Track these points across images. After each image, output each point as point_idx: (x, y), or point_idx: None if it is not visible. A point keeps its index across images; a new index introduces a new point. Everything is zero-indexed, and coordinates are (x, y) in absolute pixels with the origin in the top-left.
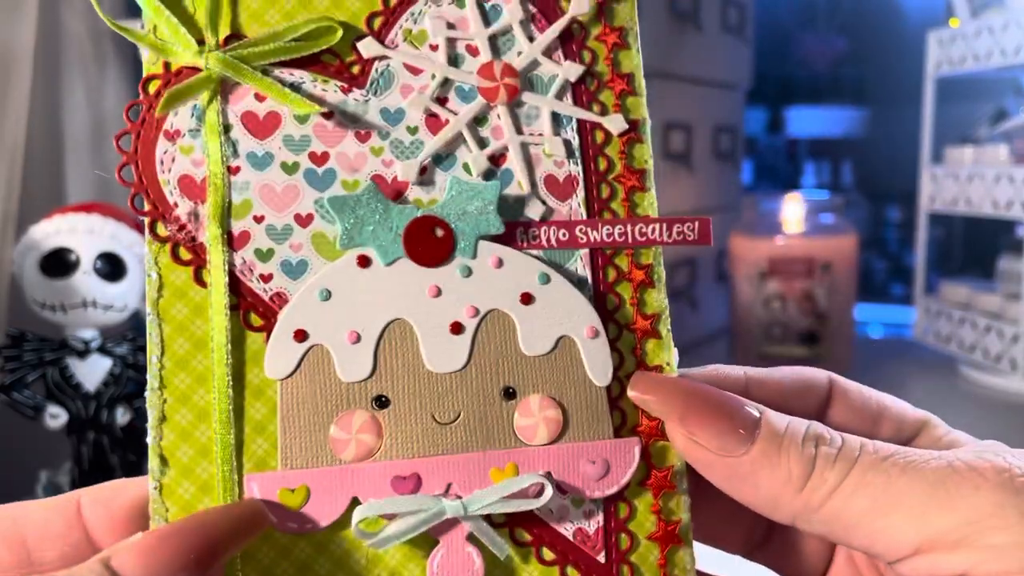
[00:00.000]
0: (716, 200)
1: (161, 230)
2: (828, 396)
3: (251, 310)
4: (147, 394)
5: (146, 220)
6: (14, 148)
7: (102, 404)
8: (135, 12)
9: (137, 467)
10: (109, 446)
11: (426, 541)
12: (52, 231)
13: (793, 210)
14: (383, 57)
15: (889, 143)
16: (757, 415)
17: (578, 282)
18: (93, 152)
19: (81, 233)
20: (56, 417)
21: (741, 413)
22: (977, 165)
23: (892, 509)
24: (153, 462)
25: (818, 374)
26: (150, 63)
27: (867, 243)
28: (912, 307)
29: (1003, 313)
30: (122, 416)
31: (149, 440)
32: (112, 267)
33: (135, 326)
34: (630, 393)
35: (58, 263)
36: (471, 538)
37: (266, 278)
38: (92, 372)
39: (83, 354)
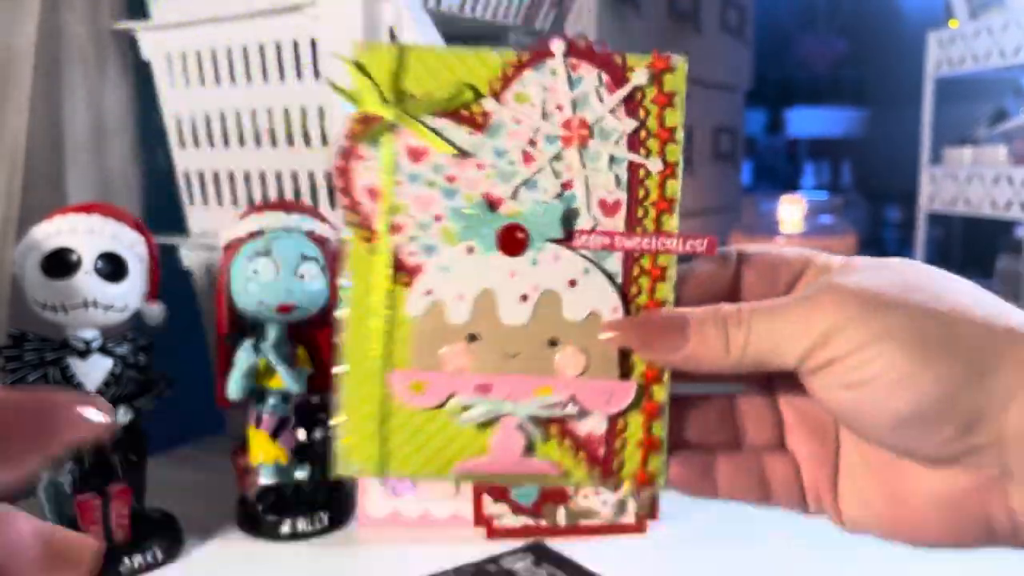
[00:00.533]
0: (716, 200)
1: (352, 217)
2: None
3: (402, 271)
4: (340, 312)
5: (344, 211)
6: (15, 149)
7: None
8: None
9: (140, 467)
10: (110, 446)
11: (490, 425)
12: (53, 231)
13: (793, 210)
14: (498, 111)
15: (889, 144)
16: (686, 319)
17: (611, 275)
18: (94, 153)
19: (82, 233)
20: None
21: (675, 323)
22: (976, 165)
23: (783, 336)
24: (339, 357)
25: (785, 254)
26: (353, 112)
27: (866, 243)
28: None
29: None
30: (123, 416)
31: (339, 342)
32: (113, 267)
33: (136, 326)
34: (601, 337)
35: (59, 263)
36: (519, 427)
37: (412, 254)
38: (93, 372)
39: (84, 354)
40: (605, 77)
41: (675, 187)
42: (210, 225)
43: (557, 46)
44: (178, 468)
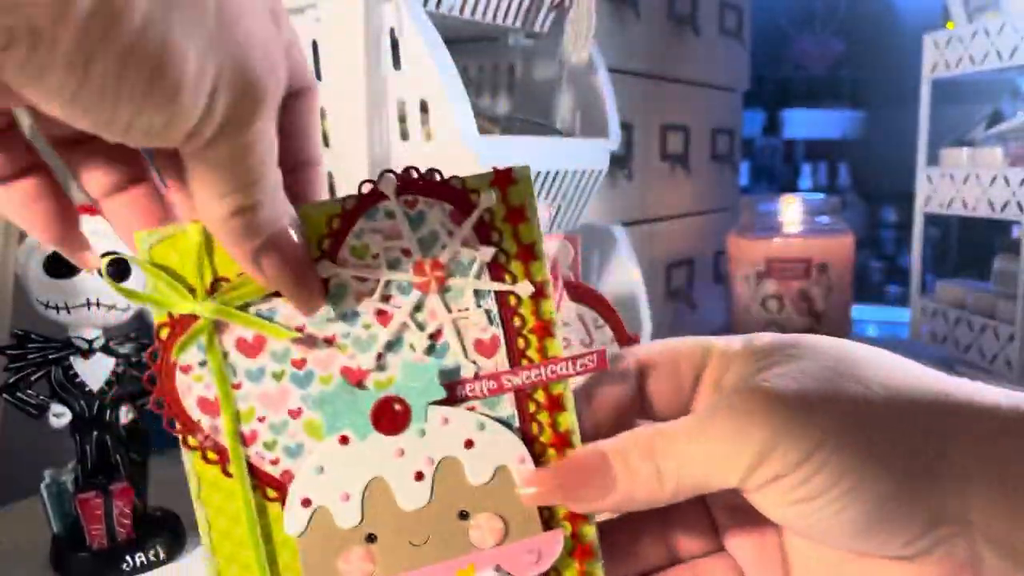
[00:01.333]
0: (714, 201)
1: (192, 441)
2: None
3: (268, 486)
4: (205, 560)
5: (180, 437)
6: None
7: (105, 403)
8: None
9: (142, 466)
10: (112, 445)
11: None
12: None
13: (790, 211)
14: (335, 273)
15: (885, 145)
16: (605, 458)
17: (507, 419)
18: None
19: (85, 233)
20: (60, 416)
21: (595, 466)
22: (973, 167)
23: (717, 459)
24: None
25: (682, 346)
26: (157, 315)
27: (863, 244)
28: (908, 307)
29: (998, 313)
30: (125, 415)
31: None
32: (116, 267)
33: (138, 326)
34: (522, 496)
35: (62, 263)
36: None
37: (274, 462)
38: (96, 371)
39: (87, 353)
40: (448, 207)
41: (550, 307)
42: None
43: (387, 185)
44: (180, 467)
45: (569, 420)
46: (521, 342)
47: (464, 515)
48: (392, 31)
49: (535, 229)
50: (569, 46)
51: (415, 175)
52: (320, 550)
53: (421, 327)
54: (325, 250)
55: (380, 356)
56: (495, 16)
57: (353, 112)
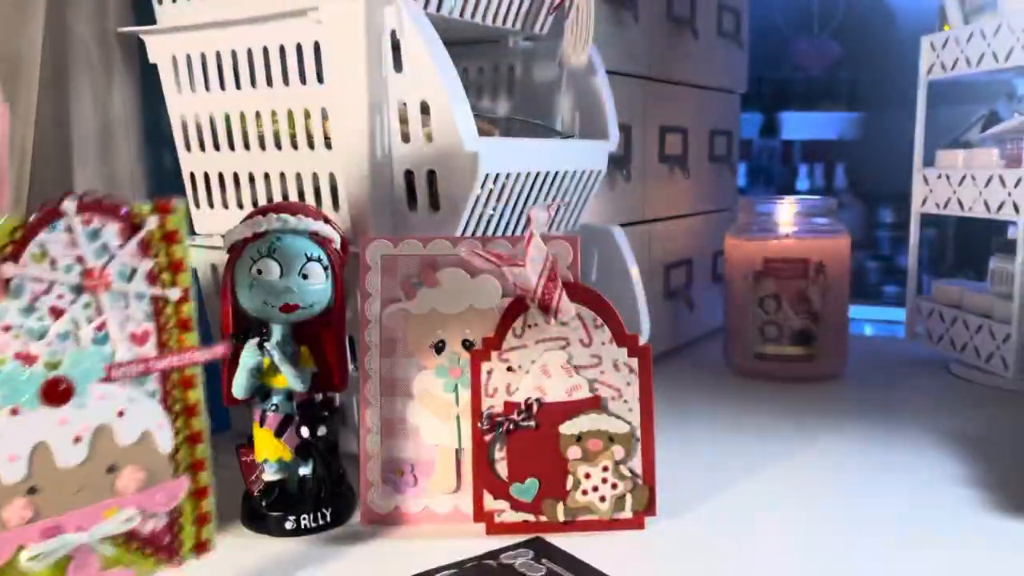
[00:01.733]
0: (712, 202)
1: None
2: None
3: None
4: None
5: None
6: (22, 150)
7: None
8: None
9: None
10: None
11: (67, 560)
12: None
13: (787, 212)
14: (16, 274)
15: (882, 146)
16: None
17: (151, 393)
18: (100, 155)
19: None
20: None
21: None
22: (969, 168)
23: None
24: None
25: None
26: None
27: (860, 244)
28: (904, 307)
29: (995, 313)
30: None
31: None
32: None
33: None
34: None
35: None
36: (91, 550)
37: None
38: None
39: None
40: (119, 226)
41: (190, 308)
42: (215, 226)
43: (68, 206)
44: None
45: (197, 396)
46: (166, 336)
47: (112, 468)
48: (393, 33)
49: (184, 248)
50: (568, 48)
51: (93, 199)
52: None
53: (89, 320)
54: (8, 255)
55: (51, 344)
56: (495, 19)
57: (354, 114)
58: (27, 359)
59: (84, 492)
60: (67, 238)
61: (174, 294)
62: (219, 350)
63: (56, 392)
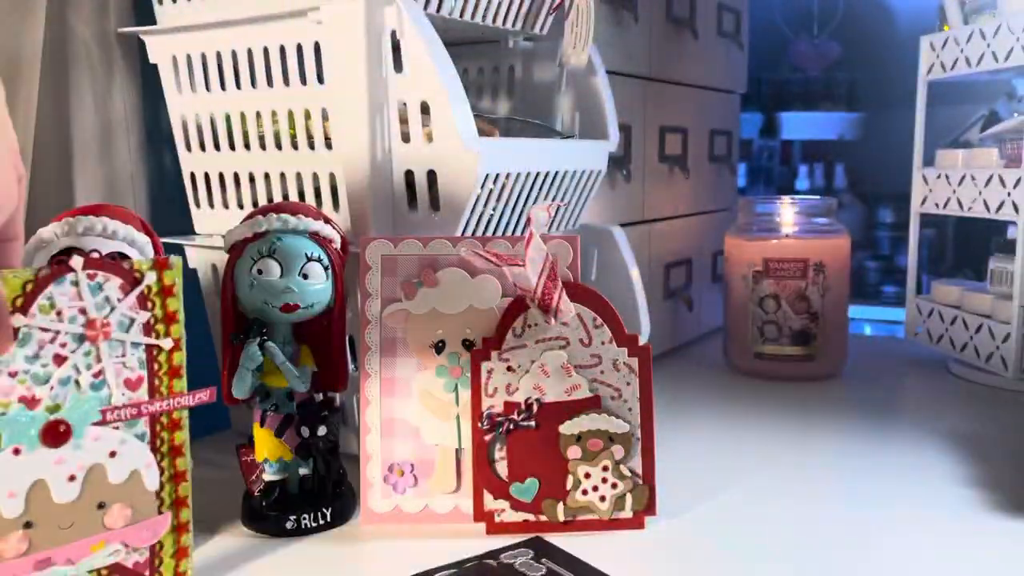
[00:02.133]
0: (712, 202)
1: None
2: None
3: None
4: None
5: None
6: (23, 151)
7: None
8: (142, 17)
9: None
10: None
11: None
12: (60, 232)
13: (787, 212)
14: (25, 325)
15: (882, 146)
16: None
17: (141, 435)
18: (101, 155)
19: (89, 234)
20: None
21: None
22: (969, 167)
23: None
24: None
25: None
26: None
27: (860, 244)
28: (904, 307)
29: (994, 313)
30: None
31: None
32: None
33: None
34: None
35: None
36: None
37: None
38: None
39: None
40: (120, 281)
41: (181, 357)
42: (216, 226)
43: (76, 262)
44: None
45: (183, 438)
46: (158, 381)
47: (102, 505)
48: (393, 34)
49: (179, 302)
50: (568, 48)
51: (98, 256)
52: None
53: (88, 367)
54: (18, 307)
55: (52, 388)
56: (495, 19)
57: (355, 114)
58: (31, 403)
59: (74, 528)
60: (73, 291)
61: (167, 344)
62: (204, 395)
63: (56, 434)
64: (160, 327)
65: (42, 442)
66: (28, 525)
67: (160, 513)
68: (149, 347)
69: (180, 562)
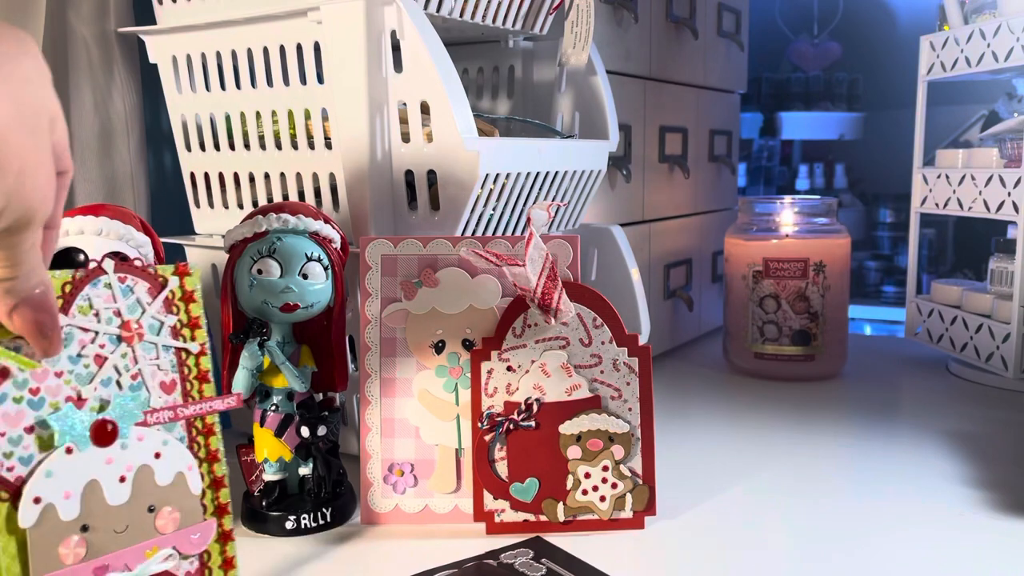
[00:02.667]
0: (712, 202)
1: None
2: None
3: (1, 489)
4: None
5: None
6: None
7: None
8: (142, 17)
9: None
10: None
11: None
12: (61, 232)
13: (787, 212)
14: (67, 324)
15: (882, 146)
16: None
17: (180, 438)
18: (101, 155)
19: (90, 234)
20: None
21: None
22: (969, 167)
23: None
24: None
25: None
26: None
27: (860, 244)
28: (904, 307)
29: (994, 313)
30: None
31: None
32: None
33: None
34: None
35: (67, 264)
36: None
37: (11, 469)
38: None
39: None
40: (147, 285)
41: (207, 362)
42: (216, 226)
43: (108, 265)
44: None
45: (217, 442)
46: (189, 385)
47: (152, 509)
48: (393, 34)
49: (200, 307)
50: (568, 48)
51: (127, 262)
52: (46, 538)
53: (126, 369)
54: (59, 307)
55: (96, 388)
56: (495, 19)
57: (355, 114)
58: (78, 402)
59: (128, 533)
60: (107, 293)
61: (195, 347)
62: (232, 400)
63: (105, 432)
64: (186, 331)
65: (93, 441)
66: (85, 528)
67: (205, 518)
68: (178, 351)
69: (228, 573)
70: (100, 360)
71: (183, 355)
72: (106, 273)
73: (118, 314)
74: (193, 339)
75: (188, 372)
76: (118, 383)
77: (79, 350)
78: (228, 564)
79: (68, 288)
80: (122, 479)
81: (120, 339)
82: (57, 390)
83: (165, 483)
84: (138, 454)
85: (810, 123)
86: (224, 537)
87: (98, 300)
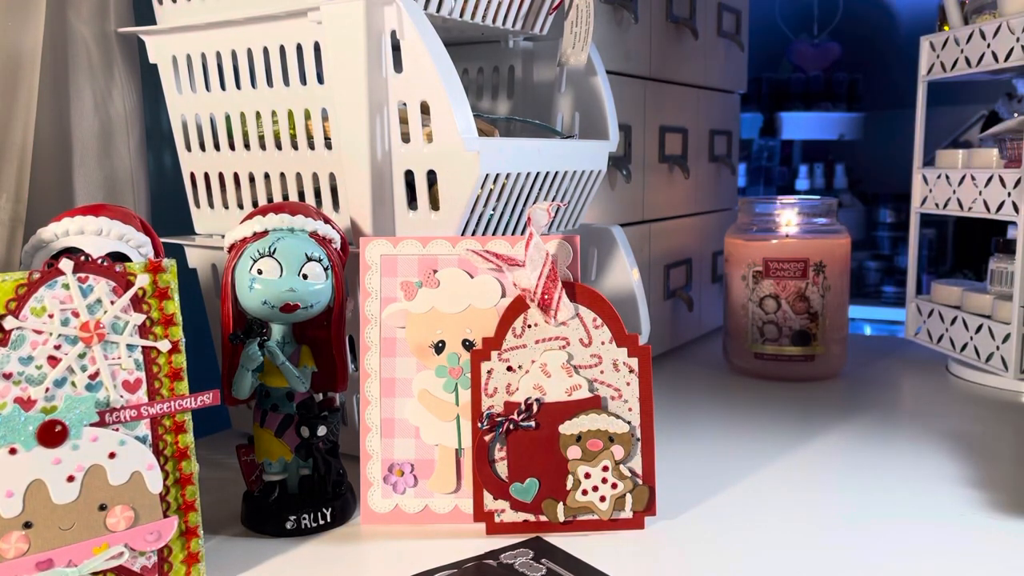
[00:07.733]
0: (712, 202)
1: None
2: None
3: None
4: None
5: None
6: (23, 150)
7: None
8: (142, 17)
9: None
10: None
11: None
12: (60, 232)
13: (787, 212)
14: (19, 327)
15: (882, 146)
16: None
17: (142, 438)
18: (101, 155)
19: (89, 234)
20: None
21: None
22: (969, 167)
23: None
24: None
25: None
26: None
27: (860, 244)
28: (904, 307)
29: (994, 313)
30: None
31: None
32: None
33: None
34: None
35: None
36: None
37: None
38: None
39: None
40: (112, 284)
41: (181, 359)
42: (215, 226)
43: (66, 266)
44: None
45: (187, 440)
46: (157, 383)
47: (103, 507)
48: (393, 34)
49: (175, 304)
50: (568, 48)
51: (89, 260)
52: None
53: (83, 369)
54: (11, 309)
55: (48, 389)
56: (495, 19)
57: (355, 114)
58: (26, 403)
59: (75, 529)
60: (65, 294)
61: (164, 346)
62: (207, 398)
63: (52, 434)
64: (157, 329)
65: (38, 442)
66: (27, 525)
67: (166, 516)
68: (146, 349)
69: (191, 567)
70: (53, 361)
71: (152, 353)
72: (63, 274)
73: (76, 314)
74: (165, 336)
75: (157, 370)
76: (72, 383)
77: (30, 352)
78: (191, 558)
79: (22, 290)
80: (70, 479)
81: (77, 340)
82: (4, 392)
83: (119, 482)
84: (90, 455)
85: (810, 123)
86: (189, 533)
87: (53, 302)
